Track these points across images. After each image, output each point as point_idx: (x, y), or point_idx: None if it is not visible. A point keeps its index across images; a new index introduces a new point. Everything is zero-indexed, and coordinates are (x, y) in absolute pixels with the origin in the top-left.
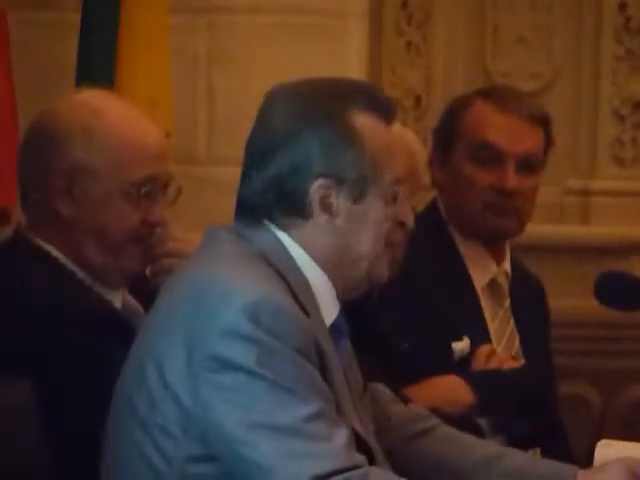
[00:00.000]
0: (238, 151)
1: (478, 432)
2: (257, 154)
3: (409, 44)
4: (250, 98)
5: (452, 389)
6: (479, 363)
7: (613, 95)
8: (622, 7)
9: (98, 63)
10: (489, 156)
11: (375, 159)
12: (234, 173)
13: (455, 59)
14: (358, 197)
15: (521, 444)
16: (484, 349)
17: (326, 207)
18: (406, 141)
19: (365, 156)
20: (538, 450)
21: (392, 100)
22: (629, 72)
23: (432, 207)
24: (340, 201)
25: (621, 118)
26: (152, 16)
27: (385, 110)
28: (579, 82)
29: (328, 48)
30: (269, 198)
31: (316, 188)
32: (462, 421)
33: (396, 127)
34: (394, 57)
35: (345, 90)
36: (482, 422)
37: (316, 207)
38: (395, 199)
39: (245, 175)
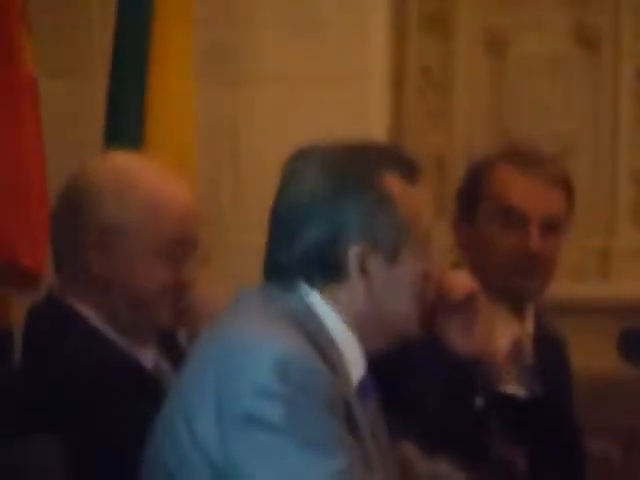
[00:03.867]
0: (263, 216)
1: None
2: (290, 219)
3: (431, 107)
4: (275, 164)
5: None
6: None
7: (632, 156)
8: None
9: (127, 125)
10: (513, 219)
11: (408, 222)
12: (259, 238)
13: (476, 121)
14: (393, 259)
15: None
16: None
17: (363, 272)
18: None
19: (399, 220)
20: None
21: (417, 159)
22: None
23: (454, 268)
24: (377, 265)
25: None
26: (180, 80)
27: (412, 170)
28: (597, 143)
29: (351, 113)
30: (307, 264)
31: (354, 254)
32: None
33: None
34: (416, 120)
35: (373, 152)
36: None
37: (354, 272)
38: (425, 257)
39: (276, 238)
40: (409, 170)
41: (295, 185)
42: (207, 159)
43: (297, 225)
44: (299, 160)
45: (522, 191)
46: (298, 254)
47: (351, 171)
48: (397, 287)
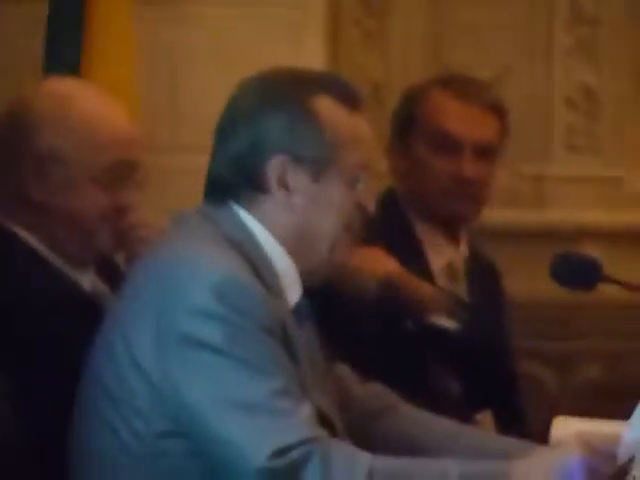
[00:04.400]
0: (200, 139)
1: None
2: (220, 134)
3: (367, 34)
4: (213, 87)
5: (375, 258)
6: None
7: (566, 81)
8: None
9: (65, 52)
10: (447, 144)
11: (335, 142)
12: (198, 160)
13: (412, 49)
14: (316, 177)
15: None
16: None
17: (283, 184)
18: None
19: (324, 137)
20: (490, 413)
21: (357, 89)
22: (581, 61)
23: (389, 193)
24: (298, 179)
25: (574, 106)
26: (119, 5)
27: (349, 98)
28: (532, 69)
29: (287, 38)
30: (230, 176)
31: (273, 165)
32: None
33: None
34: (352, 46)
35: (309, 76)
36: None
37: (274, 184)
38: (356, 183)
39: (212, 156)
40: (347, 97)
41: (228, 106)
42: (145, 87)
43: (223, 139)
44: (239, 86)
45: (456, 116)
46: (223, 167)
47: (281, 88)
48: (319, 205)
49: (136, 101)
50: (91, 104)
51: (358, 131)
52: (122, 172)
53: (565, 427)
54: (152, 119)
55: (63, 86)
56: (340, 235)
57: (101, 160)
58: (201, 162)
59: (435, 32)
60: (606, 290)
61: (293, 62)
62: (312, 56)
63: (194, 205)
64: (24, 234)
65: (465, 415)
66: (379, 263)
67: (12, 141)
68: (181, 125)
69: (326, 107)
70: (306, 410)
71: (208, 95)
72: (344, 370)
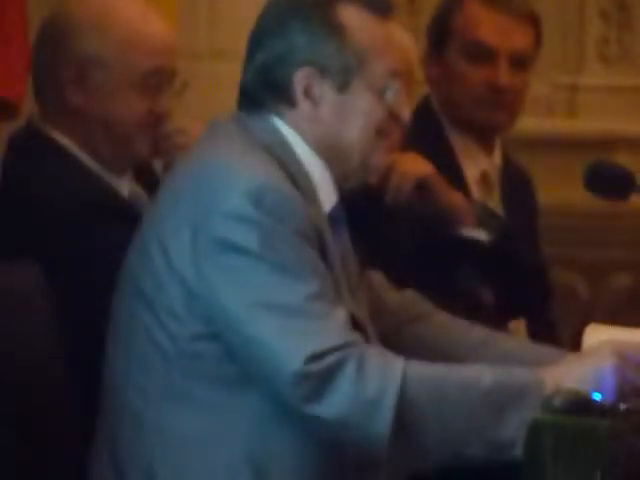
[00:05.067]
0: (237, 45)
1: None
2: (251, 45)
3: None
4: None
5: (411, 161)
6: None
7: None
8: None
9: None
10: (481, 54)
11: (361, 51)
12: (235, 68)
13: None
14: (342, 87)
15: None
16: None
17: (309, 95)
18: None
19: (348, 47)
20: (523, 321)
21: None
22: None
23: (425, 102)
24: (324, 90)
25: (607, 17)
26: None
27: (378, 4)
28: None
29: None
30: (260, 87)
31: (299, 76)
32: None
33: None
34: None
35: None
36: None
37: (300, 95)
38: (386, 91)
39: (244, 67)
40: (375, 4)
41: (259, 17)
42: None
43: (253, 49)
44: None
45: (490, 26)
46: (253, 78)
47: None
48: (346, 115)
49: (173, 7)
50: (131, 11)
51: (387, 38)
52: (160, 79)
53: (598, 334)
54: (190, 25)
55: None
56: (372, 143)
57: (139, 66)
58: (238, 70)
59: None
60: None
61: None
62: None
63: (230, 113)
64: (65, 140)
65: (498, 323)
66: (415, 166)
67: (53, 46)
68: (218, 31)
69: (352, 16)
70: (341, 314)
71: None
72: (377, 277)
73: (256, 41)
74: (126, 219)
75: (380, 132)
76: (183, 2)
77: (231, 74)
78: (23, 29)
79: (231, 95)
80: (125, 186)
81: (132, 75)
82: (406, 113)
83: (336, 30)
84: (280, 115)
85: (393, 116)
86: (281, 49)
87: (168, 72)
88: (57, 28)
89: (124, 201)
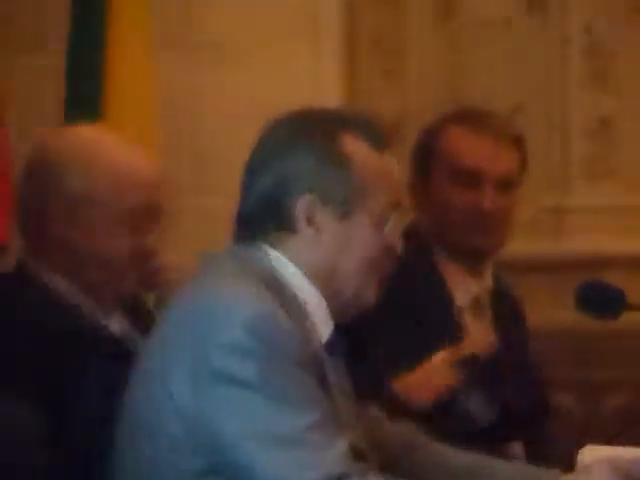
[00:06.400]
0: (224, 181)
1: (467, 416)
2: (249, 172)
3: (384, 73)
4: (236, 124)
5: (421, 384)
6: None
7: (583, 112)
8: (587, 29)
9: (87, 97)
10: (467, 179)
11: (364, 182)
12: (221, 203)
13: (428, 88)
14: (345, 216)
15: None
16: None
17: (312, 223)
18: None
19: (352, 178)
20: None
21: (386, 128)
22: (597, 91)
23: (413, 229)
24: (326, 218)
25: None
26: (139, 48)
27: (379, 137)
28: (549, 101)
29: (305, 83)
30: (259, 214)
31: (301, 204)
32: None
33: None
34: (370, 86)
35: (339, 115)
36: (470, 406)
37: (302, 223)
38: (385, 223)
39: (241, 194)
40: (376, 137)
41: (257, 144)
42: (166, 129)
43: (252, 177)
44: (269, 124)
45: (475, 151)
46: (252, 205)
47: (310, 127)
48: (347, 244)
49: (154, 139)
50: (118, 148)
51: (387, 171)
52: (148, 215)
53: (593, 454)
54: (174, 162)
55: (89, 131)
56: (367, 275)
57: (128, 204)
58: (224, 204)
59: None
60: (630, 319)
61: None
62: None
63: (218, 246)
64: (52, 279)
65: (496, 446)
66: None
67: (41, 185)
68: (203, 167)
69: (355, 147)
70: (342, 445)
71: (230, 137)
72: (373, 408)
73: (256, 167)
74: (118, 356)
75: (375, 265)
76: (166, 137)
77: (216, 208)
78: (7, 167)
79: (216, 229)
80: (116, 324)
81: (121, 211)
82: (399, 246)
83: (341, 159)
84: (277, 244)
85: (388, 248)
86: (284, 175)
87: (156, 208)
88: (43, 165)
89: (116, 338)
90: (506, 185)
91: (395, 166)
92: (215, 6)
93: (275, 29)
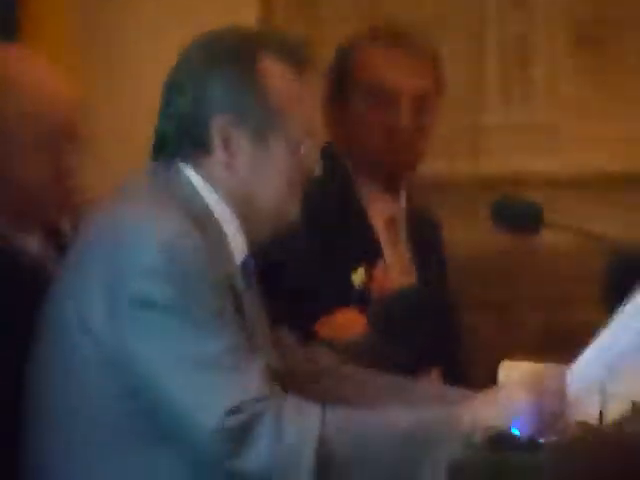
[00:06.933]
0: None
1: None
2: (167, 92)
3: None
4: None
5: (347, 322)
6: (376, 286)
7: (499, 35)
8: None
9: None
10: (383, 96)
11: (279, 106)
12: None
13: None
14: (259, 140)
15: (423, 362)
16: (378, 271)
17: (226, 144)
18: None
19: (268, 101)
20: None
21: (306, 46)
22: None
23: (328, 148)
24: (240, 141)
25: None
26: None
27: (298, 58)
28: (468, 25)
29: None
30: (176, 134)
31: (216, 125)
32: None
33: None
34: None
35: (257, 36)
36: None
37: (217, 144)
38: (300, 147)
39: (159, 114)
40: (295, 57)
41: (175, 65)
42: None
43: (169, 97)
44: (189, 44)
45: (391, 67)
46: (169, 125)
47: (227, 48)
48: (261, 168)
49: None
50: (33, 71)
51: (304, 94)
52: (63, 138)
53: (513, 370)
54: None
55: (3, 53)
56: (285, 196)
57: (42, 126)
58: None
59: None
60: (546, 237)
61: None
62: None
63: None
64: None
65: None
66: (353, 327)
67: None
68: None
69: (272, 69)
70: (258, 366)
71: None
72: (284, 331)
73: (173, 88)
74: (34, 277)
75: (293, 184)
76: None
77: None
78: None
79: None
80: (33, 244)
81: (36, 136)
82: (318, 169)
83: (256, 81)
84: (194, 164)
85: (304, 171)
86: (199, 95)
87: (72, 132)
88: None
89: (32, 258)
90: (423, 101)
91: (313, 87)
92: None
93: None
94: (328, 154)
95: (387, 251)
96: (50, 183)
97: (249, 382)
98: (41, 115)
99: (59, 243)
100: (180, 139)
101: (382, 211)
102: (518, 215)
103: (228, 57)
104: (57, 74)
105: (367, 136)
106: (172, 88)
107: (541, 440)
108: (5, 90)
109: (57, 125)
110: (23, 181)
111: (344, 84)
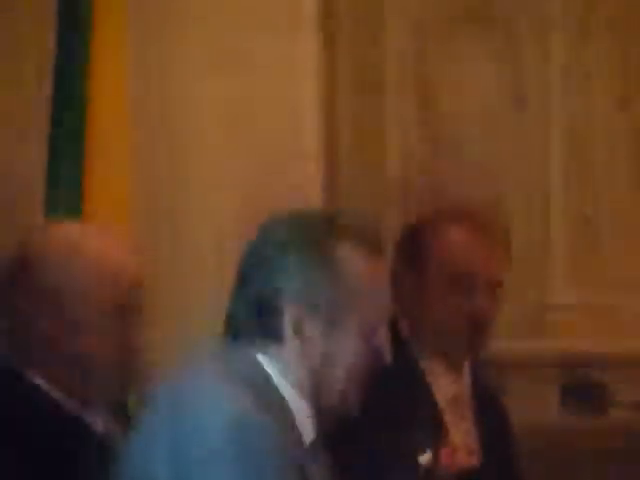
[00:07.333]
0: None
1: None
2: (240, 275)
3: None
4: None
5: None
6: (443, 467)
7: (565, 210)
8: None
9: (67, 185)
10: (461, 283)
11: (353, 292)
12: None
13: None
14: (332, 325)
15: None
16: (445, 453)
17: (298, 331)
18: None
19: (342, 287)
20: None
21: (379, 234)
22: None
23: (392, 326)
24: (313, 327)
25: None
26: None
27: (372, 245)
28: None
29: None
30: (247, 318)
31: (289, 312)
32: None
33: None
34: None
35: (333, 221)
36: None
37: (289, 331)
38: (374, 333)
39: (231, 296)
40: (369, 245)
41: (250, 245)
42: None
43: (243, 280)
44: (263, 228)
45: (471, 255)
46: (241, 309)
47: (302, 232)
48: (333, 355)
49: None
50: (97, 246)
51: (377, 280)
52: (129, 313)
53: None
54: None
55: (68, 229)
56: (354, 381)
57: (108, 302)
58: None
59: None
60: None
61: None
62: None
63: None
64: (35, 376)
65: None
66: None
67: (20, 283)
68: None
69: (347, 255)
70: None
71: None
72: None
73: (247, 271)
74: (100, 455)
75: (361, 371)
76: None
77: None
78: None
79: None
80: (99, 422)
81: (101, 309)
82: (388, 354)
83: (331, 268)
84: (264, 348)
85: (376, 355)
86: (273, 283)
87: (135, 306)
88: (23, 264)
89: (98, 437)
90: (496, 287)
91: (385, 274)
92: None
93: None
94: (392, 332)
95: (453, 431)
96: (116, 358)
97: None
98: (105, 289)
99: (125, 418)
100: (251, 323)
101: (446, 389)
102: (586, 398)
103: (302, 244)
104: (121, 247)
105: (441, 317)
106: (246, 271)
107: None
108: (70, 264)
109: (120, 300)
110: (89, 357)
111: (418, 261)
